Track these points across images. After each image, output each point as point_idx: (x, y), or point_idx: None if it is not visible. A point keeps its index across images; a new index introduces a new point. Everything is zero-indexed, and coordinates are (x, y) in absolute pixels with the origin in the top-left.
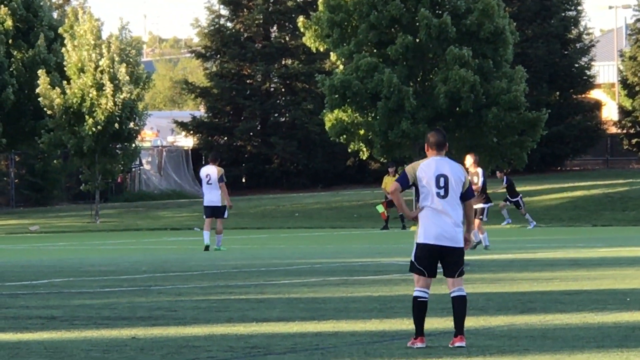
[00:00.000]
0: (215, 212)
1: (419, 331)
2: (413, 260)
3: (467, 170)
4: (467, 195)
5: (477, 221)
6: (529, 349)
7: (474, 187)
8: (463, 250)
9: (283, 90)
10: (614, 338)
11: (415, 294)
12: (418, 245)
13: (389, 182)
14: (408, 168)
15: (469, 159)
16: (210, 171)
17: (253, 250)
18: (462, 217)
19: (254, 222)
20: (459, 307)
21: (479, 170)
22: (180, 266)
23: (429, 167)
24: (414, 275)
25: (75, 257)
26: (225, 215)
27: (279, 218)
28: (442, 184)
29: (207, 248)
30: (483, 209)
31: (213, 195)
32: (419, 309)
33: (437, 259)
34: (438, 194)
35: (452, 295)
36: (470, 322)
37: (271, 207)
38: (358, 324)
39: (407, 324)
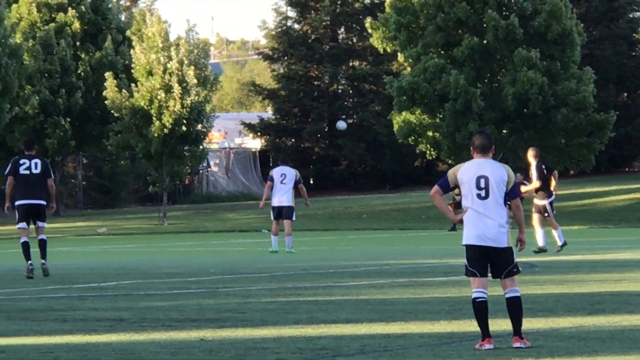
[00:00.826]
0: (284, 213)
1: (485, 332)
2: (465, 263)
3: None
4: (511, 194)
5: (536, 216)
6: (597, 351)
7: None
8: (510, 251)
9: (350, 91)
10: None
11: (474, 295)
12: (465, 247)
13: None
14: (450, 171)
15: (529, 153)
16: (287, 171)
17: (321, 251)
18: (506, 217)
19: (322, 224)
20: (513, 308)
21: (533, 165)
22: (248, 268)
23: (469, 169)
24: (470, 279)
25: (143, 259)
26: (294, 218)
27: (346, 219)
28: (482, 185)
29: (274, 252)
30: (544, 205)
31: (284, 196)
32: (480, 309)
33: (485, 259)
34: (479, 195)
35: (506, 296)
36: (539, 323)
37: (339, 209)
38: (426, 325)
39: (476, 326)
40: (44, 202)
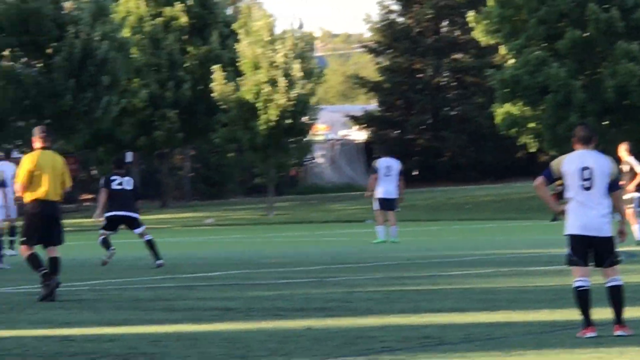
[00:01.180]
0: (390, 204)
1: (587, 321)
2: (568, 252)
3: (620, 159)
4: (613, 186)
5: (630, 211)
6: None
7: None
8: (611, 240)
9: (453, 84)
10: None
11: (576, 284)
12: (568, 237)
13: None
14: (553, 162)
15: (621, 147)
16: (392, 163)
17: (425, 242)
18: (609, 208)
19: (425, 214)
20: (615, 296)
21: (630, 159)
22: (353, 258)
23: (572, 161)
24: (572, 268)
25: (249, 250)
26: (398, 208)
27: (450, 210)
28: (586, 176)
29: (382, 242)
30: (632, 198)
31: (390, 187)
32: (582, 298)
33: (587, 249)
34: (582, 187)
35: (607, 285)
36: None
37: (442, 200)
38: (530, 314)
39: (578, 314)
40: (135, 215)
